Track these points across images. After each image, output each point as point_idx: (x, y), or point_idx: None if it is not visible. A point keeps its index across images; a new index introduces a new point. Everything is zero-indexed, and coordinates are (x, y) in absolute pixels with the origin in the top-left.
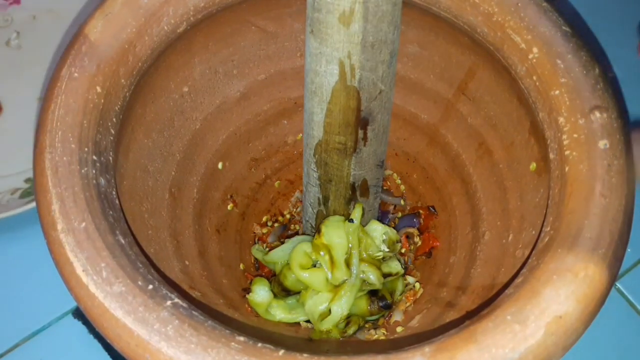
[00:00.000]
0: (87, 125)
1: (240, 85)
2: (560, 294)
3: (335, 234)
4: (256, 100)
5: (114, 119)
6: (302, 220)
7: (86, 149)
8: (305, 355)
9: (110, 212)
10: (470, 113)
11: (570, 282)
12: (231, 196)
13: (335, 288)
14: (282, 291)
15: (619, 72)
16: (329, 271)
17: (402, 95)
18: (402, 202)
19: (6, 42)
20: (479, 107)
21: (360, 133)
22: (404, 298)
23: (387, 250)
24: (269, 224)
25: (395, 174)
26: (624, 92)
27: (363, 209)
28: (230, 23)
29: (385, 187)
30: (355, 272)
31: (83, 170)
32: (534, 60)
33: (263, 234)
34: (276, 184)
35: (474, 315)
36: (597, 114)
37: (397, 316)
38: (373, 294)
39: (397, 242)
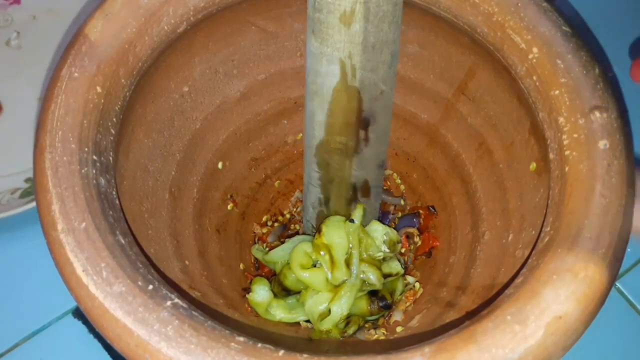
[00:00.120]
0: (87, 125)
1: (240, 85)
2: (560, 294)
3: (336, 233)
4: (256, 100)
5: (114, 119)
6: (302, 220)
7: (86, 149)
8: (305, 355)
9: (110, 212)
10: (470, 113)
11: (570, 282)
12: (231, 196)
13: (335, 288)
14: (282, 291)
15: (619, 72)
16: (329, 271)
17: (402, 95)
18: (402, 202)
19: (6, 42)
20: (479, 107)
21: (362, 134)
22: (404, 298)
23: (387, 250)
24: (269, 223)
25: (395, 174)
26: (624, 92)
27: (364, 209)
28: (230, 23)
29: (385, 187)
30: (355, 272)
31: (83, 170)
32: (534, 60)
33: (263, 233)
34: (276, 183)
35: (473, 315)
36: (597, 114)
37: (397, 316)
38: (373, 294)
39: (397, 243)
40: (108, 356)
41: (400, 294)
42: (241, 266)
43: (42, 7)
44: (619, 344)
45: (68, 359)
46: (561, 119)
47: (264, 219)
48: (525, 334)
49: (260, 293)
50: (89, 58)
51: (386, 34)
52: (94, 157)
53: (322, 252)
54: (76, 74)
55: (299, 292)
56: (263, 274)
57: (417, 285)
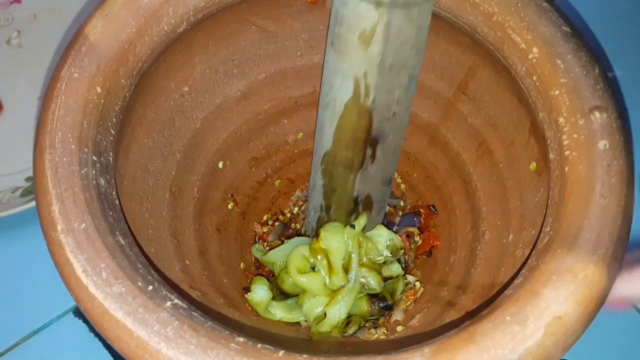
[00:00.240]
0: (87, 125)
1: (240, 84)
2: (560, 294)
3: (334, 238)
4: (257, 100)
5: (114, 119)
6: (304, 218)
7: (86, 150)
8: (305, 355)
9: (110, 213)
10: (471, 113)
11: (569, 283)
12: (232, 195)
13: (333, 292)
14: (281, 294)
15: (619, 72)
16: (327, 276)
17: None
18: (401, 202)
19: (7, 41)
20: (479, 107)
21: (369, 151)
22: (404, 297)
23: (389, 255)
24: (270, 222)
25: (395, 173)
26: (623, 92)
27: (367, 219)
28: (230, 23)
29: None
30: (353, 277)
31: (83, 171)
32: (534, 60)
33: (264, 232)
34: (277, 182)
35: (473, 315)
36: (597, 114)
37: (398, 315)
38: (373, 295)
39: (400, 249)
40: (109, 355)
41: (401, 294)
42: (242, 265)
43: (43, 6)
44: (619, 344)
45: (68, 358)
46: (561, 119)
47: (265, 218)
48: (525, 334)
49: (260, 292)
50: (88, 58)
51: (406, 58)
52: (94, 157)
53: (319, 257)
54: (76, 75)
55: (297, 295)
56: (263, 273)
57: (418, 284)
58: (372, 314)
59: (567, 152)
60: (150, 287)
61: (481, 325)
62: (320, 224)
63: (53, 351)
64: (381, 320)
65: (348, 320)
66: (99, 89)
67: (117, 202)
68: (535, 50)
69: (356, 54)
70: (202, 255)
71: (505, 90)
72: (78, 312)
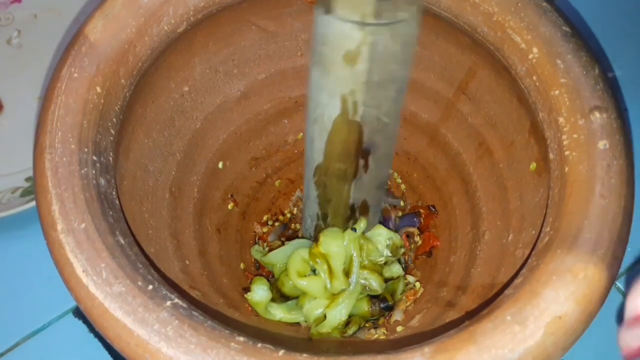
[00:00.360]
0: (87, 125)
1: (240, 84)
2: (560, 294)
3: (334, 243)
4: (257, 100)
5: (114, 119)
6: (302, 223)
7: (86, 150)
8: (305, 355)
9: (110, 213)
10: (471, 113)
11: (569, 283)
12: (232, 195)
13: (334, 295)
14: (281, 297)
15: (619, 72)
16: (328, 280)
17: None
18: (401, 202)
19: (7, 40)
20: (479, 107)
21: (361, 162)
22: (404, 297)
23: (389, 255)
24: (270, 223)
25: (395, 173)
26: (624, 92)
27: (367, 223)
28: (230, 23)
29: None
30: (354, 280)
31: (83, 171)
32: (534, 60)
33: (264, 233)
34: (277, 183)
35: (473, 315)
36: (597, 115)
37: (398, 315)
38: (374, 295)
39: (400, 248)
40: (108, 355)
41: (401, 294)
42: (242, 266)
43: (43, 6)
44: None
45: (68, 358)
46: (561, 119)
47: (265, 218)
48: (525, 334)
49: (259, 292)
50: (88, 58)
51: (392, 72)
52: (94, 157)
53: (319, 261)
54: (76, 74)
55: (297, 297)
56: (263, 273)
57: (418, 284)
58: (372, 314)
59: (567, 152)
60: (150, 287)
61: (481, 325)
62: (318, 230)
63: (53, 351)
64: (381, 320)
65: (348, 320)
66: (99, 89)
67: (117, 202)
68: (535, 50)
69: (342, 73)
70: (202, 256)
71: (505, 90)
72: (78, 313)
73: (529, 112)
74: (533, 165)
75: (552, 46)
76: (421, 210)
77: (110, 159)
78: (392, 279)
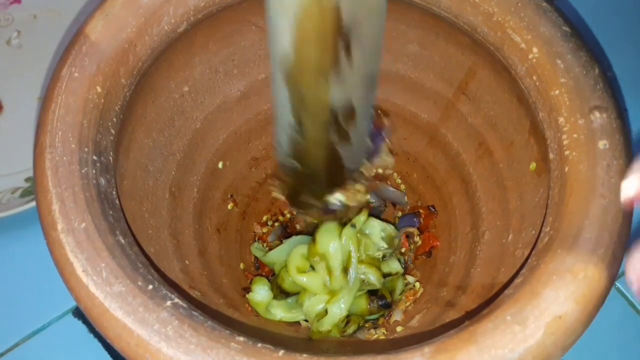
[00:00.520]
0: (87, 125)
1: (240, 84)
2: (560, 294)
3: (330, 243)
4: (256, 100)
5: (114, 119)
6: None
7: (86, 149)
8: (304, 355)
9: (110, 212)
10: (471, 113)
11: (569, 283)
12: (231, 195)
13: (333, 291)
14: (281, 293)
15: (619, 72)
16: (327, 276)
17: (402, 94)
18: (405, 198)
19: (7, 41)
20: (479, 107)
21: (342, 51)
22: (404, 297)
23: (386, 247)
24: (269, 223)
25: (395, 174)
26: (624, 92)
27: (367, 215)
28: (230, 23)
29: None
30: (353, 276)
31: (83, 170)
32: (534, 60)
33: (263, 233)
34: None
35: (473, 315)
36: (597, 114)
37: (397, 316)
38: (372, 292)
39: (395, 237)
40: (108, 356)
41: (400, 294)
42: (241, 266)
43: (43, 7)
44: (619, 343)
45: (68, 358)
46: (561, 119)
47: (264, 218)
48: (525, 334)
49: (260, 292)
50: (89, 58)
51: None
52: (94, 157)
53: (316, 258)
54: (76, 74)
55: (297, 294)
56: (263, 273)
57: (417, 285)
58: (371, 312)
59: (567, 152)
60: (150, 287)
61: (481, 325)
62: (296, 146)
63: (53, 352)
64: (381, 320)
65: (347, 319)
66: (99, 89)
67: (117, 201)
68: (535, 50)
69: None
70: (201, 256)
71: (505, 90)
72: (77, 313)
73: (529, 112)
74: (533, 165)
75: (552, 46)
76: (421, 211)
77: (111, 158)
78: (390, 274)
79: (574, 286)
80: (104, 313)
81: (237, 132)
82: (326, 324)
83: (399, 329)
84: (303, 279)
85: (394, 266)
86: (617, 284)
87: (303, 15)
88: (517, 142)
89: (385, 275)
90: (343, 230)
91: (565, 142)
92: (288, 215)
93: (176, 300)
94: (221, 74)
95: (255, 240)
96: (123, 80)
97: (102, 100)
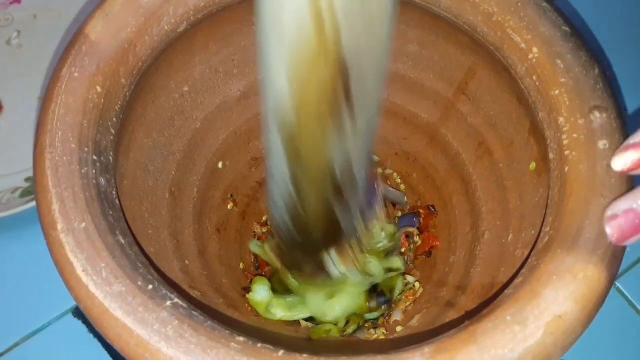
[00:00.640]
0: (87, 125)
1: (240, 84)
2: (560, 294)
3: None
4: (257, 100)
5: (114, 119)
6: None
7: (86, 149)
8: (304, 355)
9: (110, 212)
10: (470, 113)
11: (569, 283)
12: (231, 195)
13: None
14: (283, 289)
15: (619, 72)
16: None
17: (402, 94)
18: (405, 198)
19: (7, 41)
20: (479, 107)
21: (344, 105)
22: (403, 297)
23: (387, 242)
24: (270, 223)
25: (395, 174)
26: (624, 92)
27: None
28: (230, 23)
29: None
30: (356, 269)
31: (83, 170)
32: (534, 60)
33: (263, 233)
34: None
35: (473, 315)
36: (597, 114)
37: (397, 316)
38: (372, 289)
39: (395, 234)
40: (108, 356)
41: (400, 294)
42: (241, 266)
43: (43, 7)
44: (619, 344)
45: (68, 358)
46: (561, 119)
47: (264, 218)
48: (525, 334)
49: (261, 293)
50: (89, 58)
51: None
52: (94, 157)
53: None
54: (76, 74)
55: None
56: (263, 273)
57: (417, 285)
58: (370, 309)
59: (567, 152)
60: (150, 287)
61: (482, 325)
62: (294, 219)
63: (53, 351)
64: (381, 320)
65: (347, 319)
66: (99, 89)
67: (117, 201)
68: (535, 50)
69: None
70: (201, 256)
71: (505, 90)
72: (77, 313)
73: (529, 112)
74: (533, 165)
75: (552, 46)
76: (421, 211)
77: (111, 158)
78: (391, 270)
79: (574, 286)
80: (104, 313)
81: (237, 132)
82: (331, 317)
83: (398, 329)
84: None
85: (396, 262)
86: (617, 284)
87: (305, 60)
88: (517, 142)
89: (387, 271)
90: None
91: (565, 142)
92: None
93: (176, 300)
94: (221, 74)
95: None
96: (123, 80)
97: (102, 100)
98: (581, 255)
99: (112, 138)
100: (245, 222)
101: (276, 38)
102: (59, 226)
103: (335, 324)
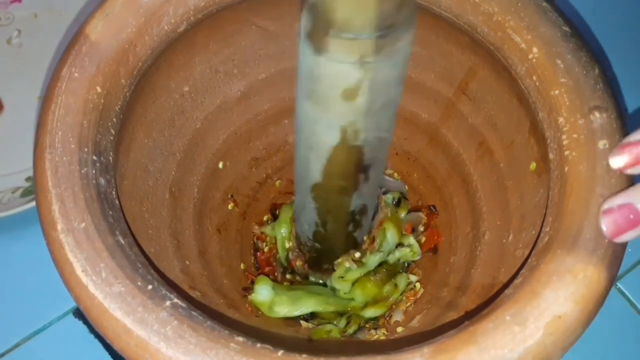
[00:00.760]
0: (87, 125)
1: (240, 84)
2: (560, 295)
3: None
4: (257, 100)
5: (114, 119)
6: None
7: (86, 149)
8: (304, 355)
9: (110, 212)
10: (471, 113)
11: (569, 284)
12: (232, 196)
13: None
14: (290, 271)
15: (619, 72)
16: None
17: (403, 94)
18: (405, 187)
19: (7, 40)
20: (480, 107)
21: (362, 176)
22: (404, 298)
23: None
24: (270, 223)
25: (395, 174)
26: (624, 92)
27: None
28: (230, 22)
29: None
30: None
31: (83, 171)
32: (534, 60)
33: (262, 233)
34: (277, 183)
35: (473, 315)
36: (597, 114)
37: (398, 316)
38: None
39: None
40: (108, 356)
41: (401, 294)
42: (242, 266)
43: (43, 6)
44: (619, 344)
45: (68, 358)
46: (561, 119)
47: (265, 218)
48: (525, 334)
49: (263, 292)
50: (89, 58)
51: (392, 95)
52: (94, 157)
53: None
54: (76, 74)
55: (305, 280)
56: (264, 273)
57: (418, 285)
58: (387, 294)
59: (567, 152)
60: (150, 287)
61: (481, 326)
62: (317, 237)
63: (53, 352)
64: (381, 321)
65: (348, 319)
66: (99, 89)
67: (117, 201)
68: (535, 50)
69: (340, 108)
70: (202, 256)
71: (505, 90)
72: (78, 313)
73: (529, 112)
74: (533, 165)
75: (552, 46)
76: (422, 210)
77: (110, 158)
78: (402, 245)
79: (574, 286)
80: (104, 313)
81: (237, 132)
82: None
83: (399, 329)
84: None
85: (408, 239)
86: (618, 284)
87: (334, 154)
88: (517, 142)
89: (399, 245)
90: None
91: (565, 142)
92: None
93: (175, 300)
94: (221, 74)
95: (254, 241)
96: (123, 80)
97: (102, 101)
98: (581, 256)
99: (112, 138)
100: (245, 222)
101: (312, 147)
102: (59, 226)
103: (352, 299)
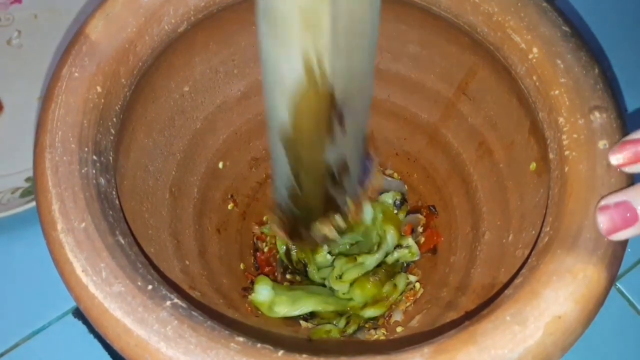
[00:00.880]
0: (87, 125)
1: (240, 84)
2: (560, 295)
3: None
4: (257, 100)
5: (114, 119)
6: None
7: (86, 149)
8: (304, 355)
9: (110, 212)
10: (471, 113)
11: (569, 284)
12: (232, 196)
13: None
14: (291, 265)
15: (619, 72)
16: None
17: (402, 94)
18: (405, 187)
19: (7, 41)
20: (479, 107)
21: (336, 125)
22: (404, 298)
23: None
24: (270, 223)
25: (396, 174)
26: (624, 92)
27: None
28: (231, 23)
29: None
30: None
31: (83, 170)
32: (534, 60)
33: (262, 233)
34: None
35: (473, 315)
36: (597, 114)
37: (397, 316)
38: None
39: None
40: (108, 356)
41: (400, 294)
42: (241, 266)
43: (43, 6)
44: (619, 344)
45: (68, 358)
46: (561, 119)
47: (265, 218)
48: (525, 334)
49: (263, 292)
50: (89, 58)
51: (364, 31)
52: (94, 157)
53: None
54: (76, 74)
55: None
56: (263, 273)
57: (418, 285)
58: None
59: (567, 152)
60: (150, 287)
61: (481, 326)
62: (294, 199)
63: (53, 352)
64: (381, 321)
65: (347, 319)
66: (99, 89)
67: (117, 201)
68: (535, 50)
69: (301, 34)
70: (201, 256)
71: (505, 90)
72: (77, 313)
73: (529, 112)
74: (533, 165)
75: (552, 46)
76: (422, 210)
77: (111, 158)
78: (401, 246)
79: (574, 286)
80: (104, 313)
81: (237, 132)
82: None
83: (399, 329)
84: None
85: (407, 240)
86: (618, 284)
87: (300, 97)
88: (517, 142)
89: (397, 247)
90: None
91: (565, 142)
92: None
93: (175, 300)
94: (221, 74)
95: (254, 241)
96: (123, 80)
97: (102, 100)
98: (581, 256)
99: (112, 138)
100: (245, 222)
101: (276, 82)
102: (59, 226)
103: (351, 299)
